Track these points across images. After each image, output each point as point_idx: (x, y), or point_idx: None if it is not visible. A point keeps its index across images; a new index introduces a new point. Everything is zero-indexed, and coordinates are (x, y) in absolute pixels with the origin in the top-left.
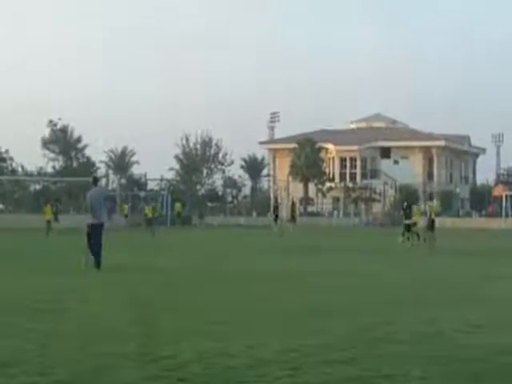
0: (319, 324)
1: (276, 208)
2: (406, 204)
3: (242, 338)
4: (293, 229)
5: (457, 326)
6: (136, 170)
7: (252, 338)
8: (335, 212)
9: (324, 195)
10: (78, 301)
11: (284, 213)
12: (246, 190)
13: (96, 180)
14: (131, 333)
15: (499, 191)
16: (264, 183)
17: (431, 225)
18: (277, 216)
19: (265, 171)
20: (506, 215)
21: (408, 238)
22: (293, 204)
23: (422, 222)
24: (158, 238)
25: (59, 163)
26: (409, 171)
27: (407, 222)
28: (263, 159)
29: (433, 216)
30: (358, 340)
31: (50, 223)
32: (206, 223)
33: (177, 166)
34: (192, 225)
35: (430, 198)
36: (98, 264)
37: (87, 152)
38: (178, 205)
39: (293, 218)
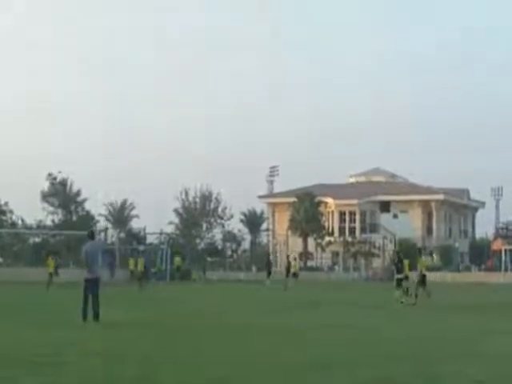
0: (319, 378)
1: (268, 263)
2: (397, 258)
3: None
4: (292, 284)
5: (458, 381)
6: (135, 224)
7: None
8: (336, 267)
9: (323, 249)
10: (78, 354)
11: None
12: (246, 245)
13: (92, 234)
14: None
15: (498, 245)
16: (263, 237)
17: (422, 280)
18: (269, 271)
19: (264, 225)
20: (506, 269)
21: (407, 292)
22: (288, 260)
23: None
24: (148, 293)
25: (58, 216)
26: (408, 225)
27: (399, 276)
28: (262, 213)
29: (423, 271)
30: None
31: (51, 276)
32: (205, 278)
33: (176, 220)
34: (191, 279)
35: (420, 253)
36: (96, 317)
37: (87, 205)
38: (177, 259)
39: (294, 274)
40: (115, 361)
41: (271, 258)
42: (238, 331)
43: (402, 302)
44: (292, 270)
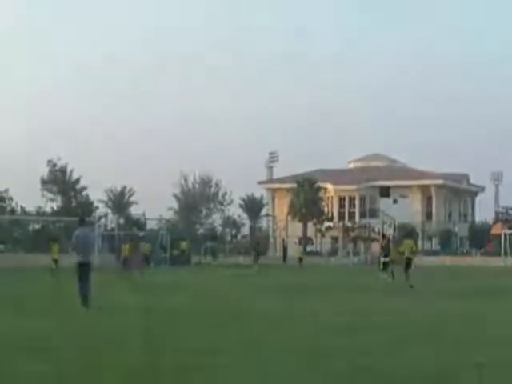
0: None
1: (257, 246)
2: (384, 241)
3: None
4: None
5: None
6: (135, 210)
7: None
8: (339, 252)
9: (323, 235)
10: (77, 341)
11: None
12: (245, 230)
13: (83, 220)
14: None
15: (498, 229)
16: (263, 223)
17: (407, 263)
18: (257, 254)
19: (264, 211)
20: (505, 253)
21: (393, 274)
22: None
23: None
24: (152, 278)
25: (57, 203)
26: (407, 210)
27: (384, 259)
28: (262, 199)
29: (407, 254)
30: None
31: (57, 262)
32: (205, 263)
33: (176, 206)
34: (192, 264)
35: (408, 236)
36: (85, 300)
37: (86, 191)
38: (183, 243)
39: (299, 259)
40: (117, 347)
41: (260, 243)
42: (243, 316)
43: (393, 277)
44: (296, 255)
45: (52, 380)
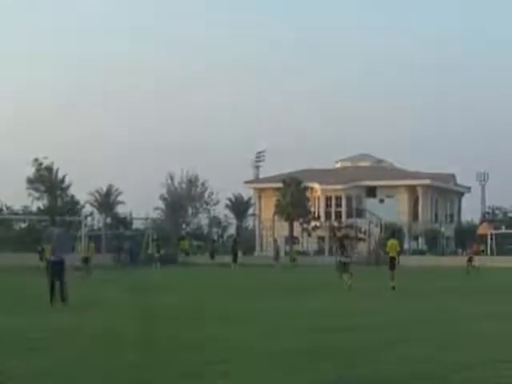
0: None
1: (235, 244)
2: (341, 239)
3: None
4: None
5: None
6: (121, 210)
7: None
8: (325, 251)
9: (309, 234)
10: (68, 339)
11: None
12: (232, 230)
13: (54, 221)
14: None
15: (484, 230)
16: (249, 222)
17: (391, 263)
18: (236, 253)
19: (251, 211)
20: (492, 253)
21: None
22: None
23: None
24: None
25: (44, 202)
26: (394, 210)
27: (343, 259)
28: (249, 199)
29: (392, 254)
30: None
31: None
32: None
33: (162, 206)
34: (178, 264)
35: (392, 237)
36: (63, 300)
37: (72, 191)
38: (183, 242)
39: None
40: (111, 347)
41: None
42: (235, 315)
43: (349, 285)
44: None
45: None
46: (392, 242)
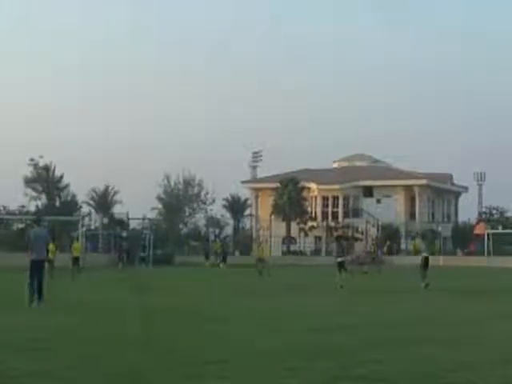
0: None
1: (224, 249)
2: (337, 239)
3: None
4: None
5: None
6: (118, 210)
7: None
8: (322, 251)
9: (306, 234)
10: (66, 340)
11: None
12: (229, 230)
13: (39, 220)
14: None
15: (481, 229)
16: (247, 222)
17: (425, 263)
18: (225, 255)
19: (248, 211)
20: (488, 253)
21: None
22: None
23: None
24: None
25: (41, 201)
26: (391, 210)
27: (340, 259)
28: (247, 199)
29: (424, 254)
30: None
31: (53, 263)
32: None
33: (159, 206)
34: (175, 264)
35: (416, 237)
36: (40, 298)
37: (71, 191)
38: (218, 245)
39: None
40: (111, 347)
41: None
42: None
43: (341, 287)
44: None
45: None
46: (415, 242)
